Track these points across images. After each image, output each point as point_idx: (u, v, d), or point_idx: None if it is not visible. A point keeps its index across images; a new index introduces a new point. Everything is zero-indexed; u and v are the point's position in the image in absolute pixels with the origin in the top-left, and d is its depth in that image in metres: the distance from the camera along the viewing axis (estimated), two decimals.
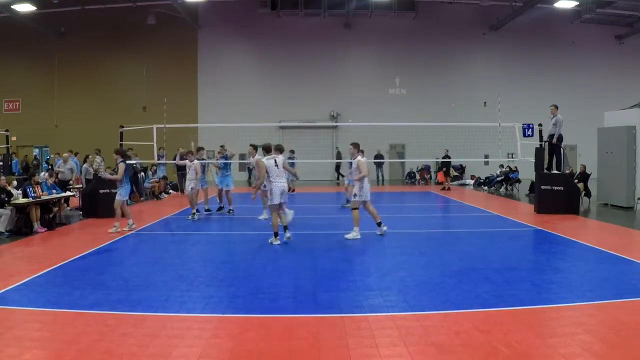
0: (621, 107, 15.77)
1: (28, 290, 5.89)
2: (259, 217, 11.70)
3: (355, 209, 9.27)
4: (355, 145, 9.41)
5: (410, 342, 4.26)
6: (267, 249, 8.46)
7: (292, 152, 18.89)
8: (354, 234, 9.16)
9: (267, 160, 8.78)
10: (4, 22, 23.43)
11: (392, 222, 11.96)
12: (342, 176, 16.23)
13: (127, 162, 13.78)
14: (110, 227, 10.08)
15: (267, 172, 8.73)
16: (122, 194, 10.20)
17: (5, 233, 9.52)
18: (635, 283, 6.06)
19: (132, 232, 10.07)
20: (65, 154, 16.74)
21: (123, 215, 10.23)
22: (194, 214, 11.90)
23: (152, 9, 23.92)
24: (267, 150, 9.01)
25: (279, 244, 8.58)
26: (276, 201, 8.62)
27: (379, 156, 23.35)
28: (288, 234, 8.82)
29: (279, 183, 8.65)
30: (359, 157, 9.36)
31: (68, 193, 12.37)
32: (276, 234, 8.71)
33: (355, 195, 9.23)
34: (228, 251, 8.46)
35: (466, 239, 9.61)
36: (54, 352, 4.11)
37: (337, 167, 24.77)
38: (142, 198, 16.13)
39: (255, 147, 11.78)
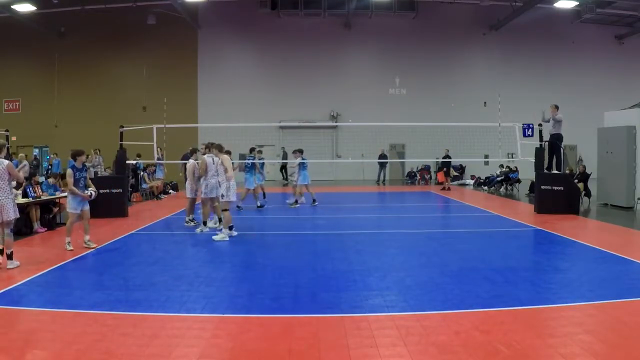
0: (621, 107, 15.77)
1: (28, 290, 5.89)
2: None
3: (226, 210, 9.23)
4: (215, 146, 9.70)
5: (410, 342, 4.26)
6: (267, 249, 8.47)
7: (255, 150, 17.01)
8: (222, 235, 9.06)
9: (208, 158, 9.85)
10: (4, 22, 23.41)
11: (393, 222, 11.99)
12: (289, 176, 15.80)
13: (128, 162, 13.88)
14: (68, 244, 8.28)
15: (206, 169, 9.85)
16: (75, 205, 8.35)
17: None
18: (635, 283, 6.06)
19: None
20: (21, 154, 16.76)
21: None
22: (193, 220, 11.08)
23: (152, 9, 23.90)
24: (208, 148, 10.05)
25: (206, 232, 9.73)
26: (211, 194, 9.89)
27: (382, 156, 23.37)
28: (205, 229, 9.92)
29: (213, 179, 9.83)
30: (223, 156, 9.49)
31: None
32: (205, 223, 10.03)
33: (222, 195, 9.25)
34: (228, 251, 8.45)
35: (466, 239, 9.61)
36: (54, 352, 4.11)
37: (283, 167, 24.28)
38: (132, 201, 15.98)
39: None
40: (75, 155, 8.49)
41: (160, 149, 16.23)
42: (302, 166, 14.30)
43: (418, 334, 4.44)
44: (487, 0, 23.17)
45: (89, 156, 16.40)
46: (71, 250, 8.08)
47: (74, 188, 8.20)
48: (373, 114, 24.32)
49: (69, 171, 8.24)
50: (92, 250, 8.22)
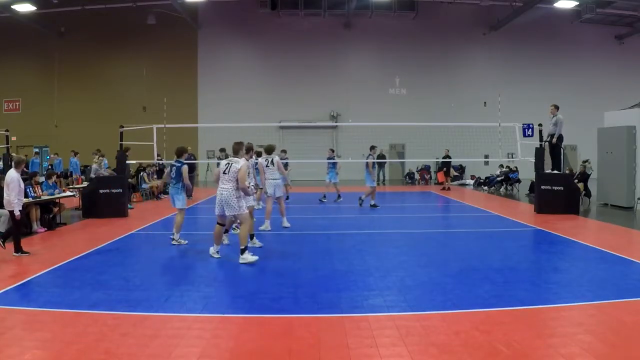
0: (621, 107, 15.77)
1: (28, 290, 5.89)
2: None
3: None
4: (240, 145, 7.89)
5: (410, 342, 4.26)
6: (267, 248, 8.46)
7: (374, 149, 14.73)
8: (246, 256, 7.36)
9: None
10: (4, 22, 23.41)
11: (393, 222, 11.99)
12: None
13: (128, 162, 13.88)
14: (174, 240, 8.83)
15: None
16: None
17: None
18: (635, 283, 6.06)
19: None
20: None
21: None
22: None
23: (152, 9, 23.89)
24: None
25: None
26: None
27: (381, 156, 23.34)
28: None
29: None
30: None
31: (68, 193, 12.36)
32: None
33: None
34: (228, 251, 8.44)
35: (466, 239, 9.61)
36: (54, 352, 4.11)
37: None
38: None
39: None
40: (181, 152, 9.18)
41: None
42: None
43: (418, 334, 4.44)
44: (487, 0, 23.17)
45: (97, 157, 16.38)
46: (185, 243, 8.78)
47: (189, 182, 9.03)
48: (373, 114, 24.31)
49: (185, 167, 8.92)
50: (93, 250, 8.21)
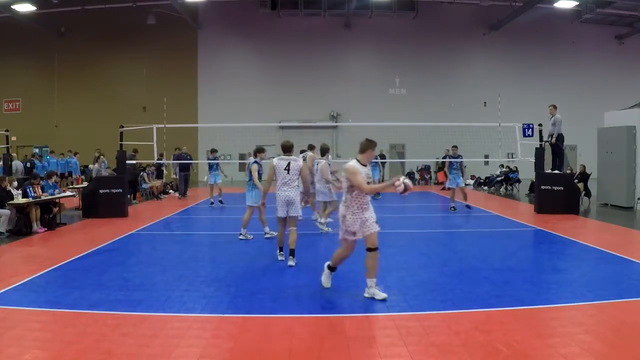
0: (621, 107, 15.77)
1: (28, 290, 5.89)
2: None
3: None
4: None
5: (410, 342, 4.26)
6: (267, 249, 8.46)
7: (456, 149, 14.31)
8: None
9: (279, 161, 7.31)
10: (4, 22, 23.41)
11: (393, 222, 11.98)
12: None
13: (128, 162, 13.86)
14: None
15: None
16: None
17: (5, 233, 9.53)
18: (635, 283, 6.06)
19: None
20: None
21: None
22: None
23: (152, 9, 23.89)
24: (283, 149, 7.57)
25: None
26: (280, 214, 7.27)
27: (381, 156, 23.37)
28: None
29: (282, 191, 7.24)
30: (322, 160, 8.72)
31: (68, 193, 12.36)
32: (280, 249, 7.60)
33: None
34: (228, 251, 8.44)
35: (466, 239, 9.61)
36: (54, 352, 4.11)
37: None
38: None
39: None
40: (257, 152, 9.10)
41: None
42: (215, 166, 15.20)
43: (418, 334, 4.44)
44: (487, 0, 23.16)
45: (101, 157, 16.37)
46: (250, 238, 9.12)
47: (258, 182, 8.84)
48: (373, 114, 24.28)
49: (255, 166, 8.92)
50: (93, 250, 8.21)
